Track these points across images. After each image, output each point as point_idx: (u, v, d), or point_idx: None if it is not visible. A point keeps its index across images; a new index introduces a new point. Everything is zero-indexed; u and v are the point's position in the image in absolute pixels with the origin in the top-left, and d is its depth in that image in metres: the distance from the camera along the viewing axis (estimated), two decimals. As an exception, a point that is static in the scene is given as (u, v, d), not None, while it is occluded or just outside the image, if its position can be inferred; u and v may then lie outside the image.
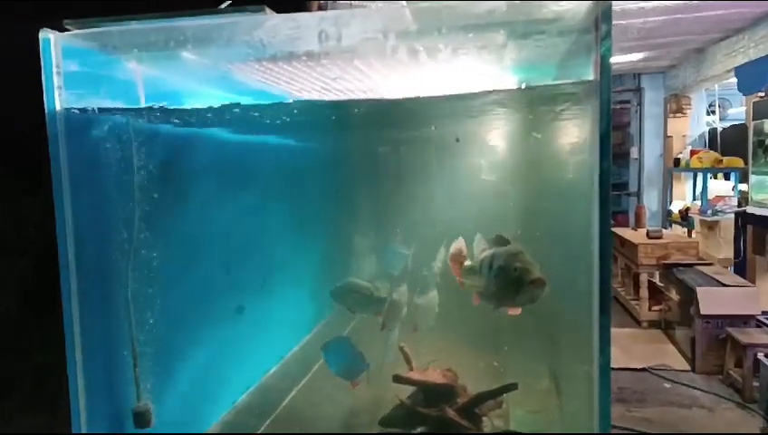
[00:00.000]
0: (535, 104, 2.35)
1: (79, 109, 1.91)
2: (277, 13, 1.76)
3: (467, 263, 2.48)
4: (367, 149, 3.91)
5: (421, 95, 2.08)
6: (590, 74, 1.63)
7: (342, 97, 2.37)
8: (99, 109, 1.99)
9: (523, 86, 2.13)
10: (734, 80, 6.36)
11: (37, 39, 1.80)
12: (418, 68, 1.93)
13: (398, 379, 2.78)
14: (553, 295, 2.05)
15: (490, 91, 2.01)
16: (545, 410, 2.73)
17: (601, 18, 1.58)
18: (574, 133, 2.17)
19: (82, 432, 1.95)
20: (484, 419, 2.61)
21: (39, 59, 1.82)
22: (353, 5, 3.52)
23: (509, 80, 2.17)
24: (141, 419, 2.26)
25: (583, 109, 1.75)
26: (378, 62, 1.91)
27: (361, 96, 2.31)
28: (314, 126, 2.89)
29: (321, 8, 3.31)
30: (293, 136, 3.55)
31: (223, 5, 1.86)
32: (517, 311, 2.20)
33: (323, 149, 4.16)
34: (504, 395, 2.63)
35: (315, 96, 2.46)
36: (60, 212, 1.84)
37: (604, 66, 1.59)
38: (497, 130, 3.51)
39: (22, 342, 2.67)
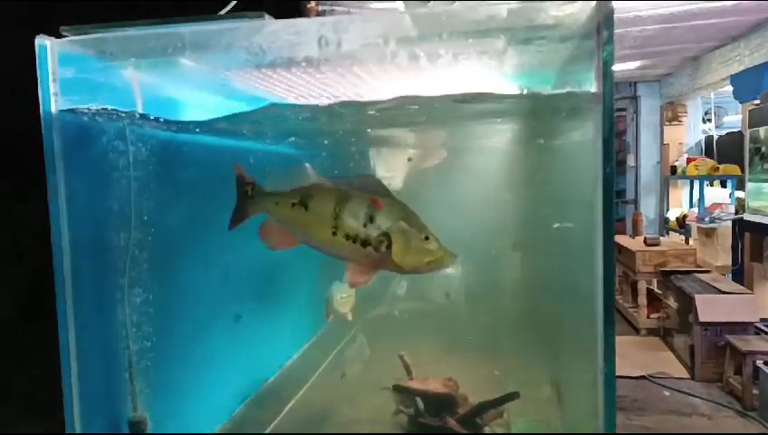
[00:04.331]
0: (537, 110, 2.34)
1: (75, 115, 1.89)
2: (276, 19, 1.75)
3: None
4: (363, 154, 3.89)
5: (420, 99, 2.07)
6: (592, 80, 1.62)
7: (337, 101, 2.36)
8: (95, 116, 1.97)
9: (525, 92, 2.12)
10: (730, 88, 6.39)
11: (32, 43, 1.78)
12: (419, 73, 1.92)
13: (398, 388, 2.76)
14: (555, 303, 2.03)
15: (491, 97, 2.01)
16: (547, 420, 2.70)
17: (603, 23, 1.58)
18: (576, 139, 2.17)
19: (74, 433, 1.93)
20: (485, 428, 2.58)
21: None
22: (352, 11, 3.52)
23: (509, 86, 2.16)
24: (137, 429, 2.23)
25: (585, 114, 1.74)
26: (377, 67, 1.90)
27: (358, 100, 2.30)
28: (308, 131, 2.88)
29: (320, 14, 3.32)
30: (295, 143, 3.53)
31: (223, 11, 1.85)
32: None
33: (318, 155, 4.14)
34: (506, 404, 2.61)
35: (314, 102, 2.45)
36: (55, 220, 1.82)
37: (606, 71, 1.58)
38: (498, 136, 3.50)
39: (20, 349, 2.65)
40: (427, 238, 1.84)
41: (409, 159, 3.28)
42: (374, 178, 1.89)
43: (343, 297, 3.16)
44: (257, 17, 1.73)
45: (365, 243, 1.83)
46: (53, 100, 1.81)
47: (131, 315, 2.19)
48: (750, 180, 5.93)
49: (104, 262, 2.14)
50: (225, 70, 2.08)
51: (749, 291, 5.36)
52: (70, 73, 1.83)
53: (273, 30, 1.73)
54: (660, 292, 6.17)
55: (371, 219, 1.80)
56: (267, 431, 2.91)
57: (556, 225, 2.36)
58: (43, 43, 1.80)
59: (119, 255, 2.16)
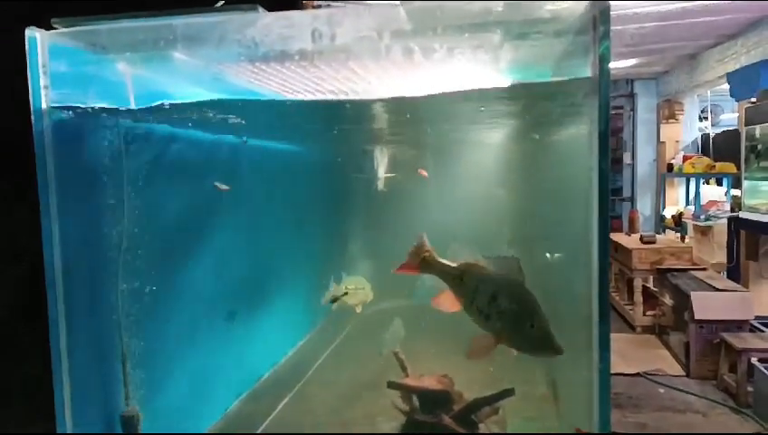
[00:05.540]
0: (532, 105, 2.33)
1: (66, 109, 1.87)
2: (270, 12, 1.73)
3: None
4: (361, 151, 3.88)
5: (415, 95, 2.05)
6: (588, 76, 1.60)
7: (334, 98, 2.34)
8: (87, 109, 1.95)
9: (520, 87, 2.11)
10: (727, 86, 6.38)
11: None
12: (413, 68, 1.90)
13: (393, 385, 2.74)
14: (551, 300, 2.02)
15: (486, 92, 1.99)
16: (542, 417, 2.70)
17: (599, 18, 1.56)
18: (572, 135, 2.15)
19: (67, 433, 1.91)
20: (480, 425, 2.57)
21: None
22: (347, 4, 3.50)
23: (505, 81, 2.15)
24: (129, 424, 2.23)
25: (581, 110, 1.73)
26: (372, 62, 1.88)
27: (354, 97, 2.28)
28: (304, 128, 2.87)
29: (315, 8, 3.29)
30: (283, 138, 3.52)
31: (217, 4, 1.82)
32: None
33: (314, 152, 4.12)
34: (501, 402, 2.60)
35: (308, 97, 2.42)
36: (45, 215, 1.80)
37: (602, 67, 1.56)
38: (493, 132, 3.49)
39: (20, 349, 2.64)
40: (532, 326, 1.89)
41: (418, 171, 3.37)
42: (515, 260, 2.02)
43: (350, 289, 3.14)
44: (251, 9, 1.71)
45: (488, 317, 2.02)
46: (44, 92, 1.78)
47: (124, 312, 2.17)
48: (746, 178, 5.93)
49: (97, 259, 2.12)
50: (217, 63, 2.05)
51: (744, 289, 5.37)
52: (60, 66, 1.81)
53: (266, 22, 1.71)
54: (656, 289, 6.18)
55: (494, 298, 1.99)
56: (261, 429, 2.90)
57: (548, 254, 2.40)
58: (33, 35, 1.77)
59: (112, 251, 2.14)
